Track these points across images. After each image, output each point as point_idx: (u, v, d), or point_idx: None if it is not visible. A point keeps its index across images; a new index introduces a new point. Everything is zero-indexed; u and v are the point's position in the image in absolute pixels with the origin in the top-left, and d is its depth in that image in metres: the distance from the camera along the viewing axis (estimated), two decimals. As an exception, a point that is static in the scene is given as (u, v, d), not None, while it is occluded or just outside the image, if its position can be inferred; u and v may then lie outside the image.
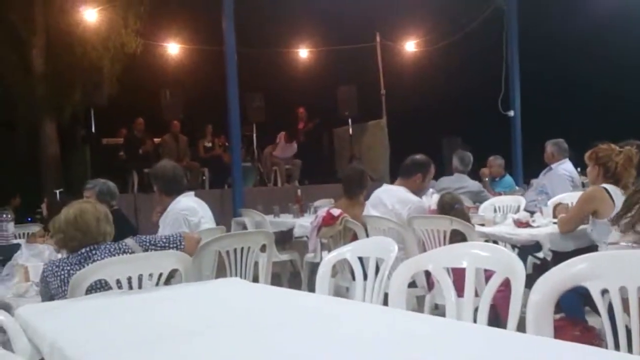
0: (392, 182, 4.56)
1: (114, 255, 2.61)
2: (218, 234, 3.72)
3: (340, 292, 4.34)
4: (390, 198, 4.32)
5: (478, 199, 5.80)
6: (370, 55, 10.90)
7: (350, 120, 11.22)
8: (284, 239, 6.18)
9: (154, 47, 11.02)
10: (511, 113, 10.41)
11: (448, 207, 4.01)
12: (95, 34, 9.65)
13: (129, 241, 2.71)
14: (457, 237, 3.72)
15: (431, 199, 4.67)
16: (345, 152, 11.43)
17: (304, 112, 11.64)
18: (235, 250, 3.42)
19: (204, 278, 3.23)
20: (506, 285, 1.95)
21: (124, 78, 9.96)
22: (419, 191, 4.38)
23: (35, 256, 3.28)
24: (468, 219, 4.00)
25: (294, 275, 6.13)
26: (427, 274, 3.40)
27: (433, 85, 12.09)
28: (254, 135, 11.27)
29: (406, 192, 4.30)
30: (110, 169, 8.96)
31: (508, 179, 7.34)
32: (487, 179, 7.01)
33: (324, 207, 5.30)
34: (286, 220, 6.33)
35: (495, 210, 5.30)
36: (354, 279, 2.62)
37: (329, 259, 2.63)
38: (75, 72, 9.69)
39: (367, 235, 4.32)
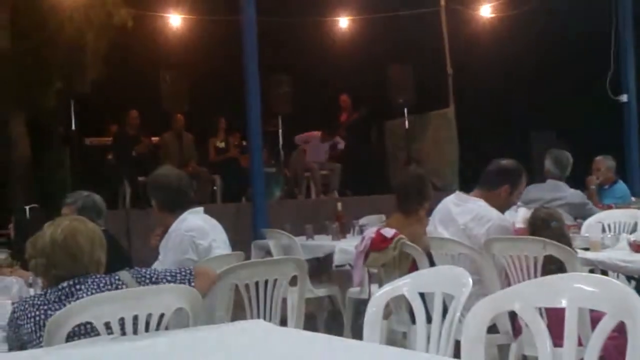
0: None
1: (104, 291, 2.65)
2: (234, 262, 3.75)
3: (396, 338, 4.33)
4: (463, 212, 4.31)
5: (580, 213, 5.72)
6: (433, 23, 10.87)
7: (406, 110, 11.21)
8: (321, 268, 6.19)
9: (149, 18, 11.19)
10: (624, 98, 10.24)
11: (542, 225, 3.96)
12: (74, 1, 9.83)
13: (124, 275, 2.76)
14: (553, 265, 3.68)
15: (516, 215, 4.62)
16: (399, 152, 11.41)
17: (347, 101, 11.66)
18: (257, 283, 3.45)
19: (217, 320, 3.25)
20: (620, 330, 1.93)
21: (112, 59, 10.13)
22: (503, 207, 4.37)
23: (1, 292, 3.36)
24: (568, 242, 3.95)
25: (334, 316, 6.12)
26: (513, 315, 3.39)
27: (517, 62, 11.98)
28: (280, 131, 11.35)
29: (486, 206, 4.27)
30: (95, 177, 9.13)
31: (621, 186, 7.22)
32: (593, 187, 6.90)
33: (373, 226, 5.29)
34: (323, 243, 6.34)
35: (603, 229, 5.21)
36: (413, 322, 2.61)
37: (380, 295, 2.64)
38: (50, 52, 9.89)
39: (432, 264, 4.30)
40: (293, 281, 3.60)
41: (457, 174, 10.68)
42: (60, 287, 2.66)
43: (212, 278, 3.09)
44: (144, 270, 2.85)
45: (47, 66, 9.99)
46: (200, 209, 4.18)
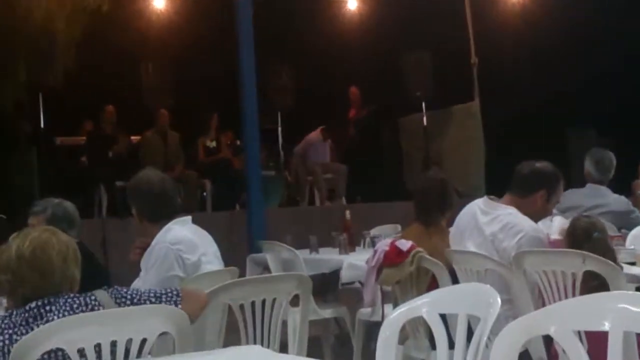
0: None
1: (77, 313, 2.65)
2: (227, 279, 3.75)
3: (413, 367, 4.32)
4: (491, 221, 4.31)
5: (625, 222, 5.71)
6: (454, 4, 10.89)
7: (424, 105, 11.22)
8: (326, 286, 6.19)
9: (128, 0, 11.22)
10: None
11: (583, 235, 3.95)
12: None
13: (101, 294, 2.76)
14: (594, 282, 3.68)
15: (551, 225, 4.62)
16: (416, 152, 11.42)
17: (357, 94, 11.67)
18: (253, 303, 3.45)
19: (207, 345, 3.25)
20: (672, 358, 1.92)
21: (86, 48, 10.16)
22: (538, 216, 4.36)
23: (-40, 313, 3.37)
24: (613, 255, 3.94)
25: (342, 341, 6.12)
26: (548, 340, 3.38)
27: (551, 50, 11.98)
28: (279, 129, 11.37)
29: (517, 214, 4.27)
30: (67, 182, 9.15)
31: (672, 192, 7.23)
32: (639, 193, 6.91)
33: (387, 237, 5.29)
34: (329, 257, 6.36)
35: (652, 241, 5.21)
36: (433, 347, 2.61)
37: (395, 317, 2.64)
38: (16, 39, 9.92)
39: (454, 281, 4.30)
40: (294, 301, 3.60)
41: (484, 178, 10.67)
42: (27, 308, 2.66)
43: (202, 301, 3.08)
44: (124, 290, 2.85)
45: (12, 57, 10.02)
46: (188, 218, 4.18)
